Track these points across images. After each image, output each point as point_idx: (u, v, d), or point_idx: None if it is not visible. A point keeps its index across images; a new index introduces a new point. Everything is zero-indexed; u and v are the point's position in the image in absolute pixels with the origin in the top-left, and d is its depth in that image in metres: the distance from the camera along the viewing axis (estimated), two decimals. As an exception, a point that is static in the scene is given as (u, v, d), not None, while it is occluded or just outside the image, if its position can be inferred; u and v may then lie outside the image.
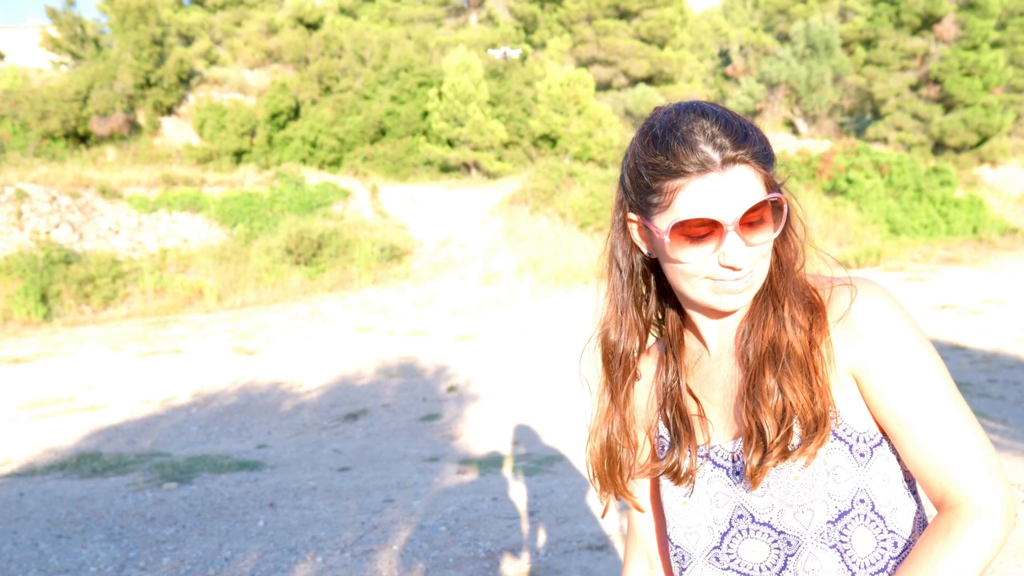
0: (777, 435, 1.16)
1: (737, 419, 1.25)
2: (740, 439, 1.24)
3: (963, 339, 10.12)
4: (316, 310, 13.96)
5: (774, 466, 1.17)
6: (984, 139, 27.61)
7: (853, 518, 1.18)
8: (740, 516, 1.23)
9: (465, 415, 7.66)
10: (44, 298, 14.36)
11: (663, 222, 1.18)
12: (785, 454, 1.16)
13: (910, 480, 1.24)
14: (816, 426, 1.16)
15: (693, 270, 1.19)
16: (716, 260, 1.17)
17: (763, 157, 1.17)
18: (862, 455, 1.18)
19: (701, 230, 1.15)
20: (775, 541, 1.20)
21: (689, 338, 1.35)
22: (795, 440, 1.17)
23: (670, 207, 1.17)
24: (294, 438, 7.15)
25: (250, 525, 4.83)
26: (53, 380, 9.44)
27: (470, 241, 18.39)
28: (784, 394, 1.17)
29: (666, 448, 1.33)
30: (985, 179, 27.42)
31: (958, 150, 27.70)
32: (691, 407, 1.30)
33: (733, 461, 1.24)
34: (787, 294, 1.22)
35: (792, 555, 1.20)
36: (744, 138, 1.15)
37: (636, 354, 1.35)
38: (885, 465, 1.19)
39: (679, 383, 1.33)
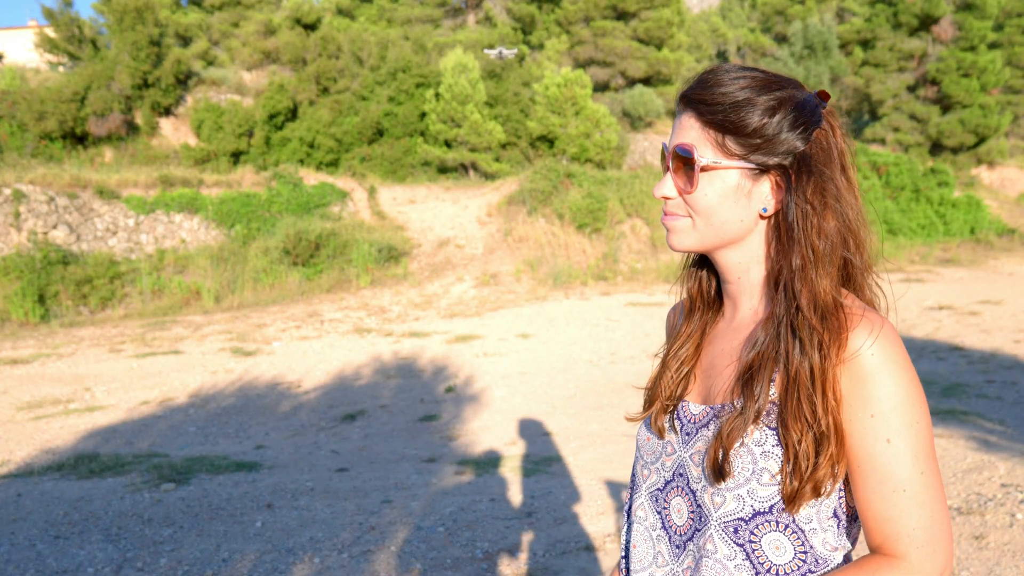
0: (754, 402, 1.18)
1: (714, 388, 1.29)
2: (704, 406, 1.28)
3: (961, 340, 10.14)
4: (314, 311, 13.95)
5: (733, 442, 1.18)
6: (982, 140, 27.67)
7: (768, 522, 1.18)
8: (680, 474, 1.27)
9: (463, 416, 7.66)
10: (42, 299, 14.34)
11: None
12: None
13: (849, 520, 1.22)
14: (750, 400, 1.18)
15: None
16: None
17: (713, 114, 1.19)
18: None
19: (664, 158, 1.27)
20: (692, 511, 1.24)
21: (726, 296, 1.34)
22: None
23: None
24: (292, 439, 7.15)
25: (248, 526, 4.82)
26: (51, 381, 9.43)
27: (468, 242, 18.38)
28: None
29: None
30: (983, 180, 27.48)
31: (956, 151, 27.75)
32: (682, 362, 1.35)
33: (689, 422, 1.29)
34: (762, 295, 1.25)
35: (699, 530, 1.23)
36: (704, 86, 1.20)
37: (690, 304, 1.42)
38: None
39: (694, 338, 1.36)
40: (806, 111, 1.20)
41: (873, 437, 1.12)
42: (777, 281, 1.21)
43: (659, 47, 28.36)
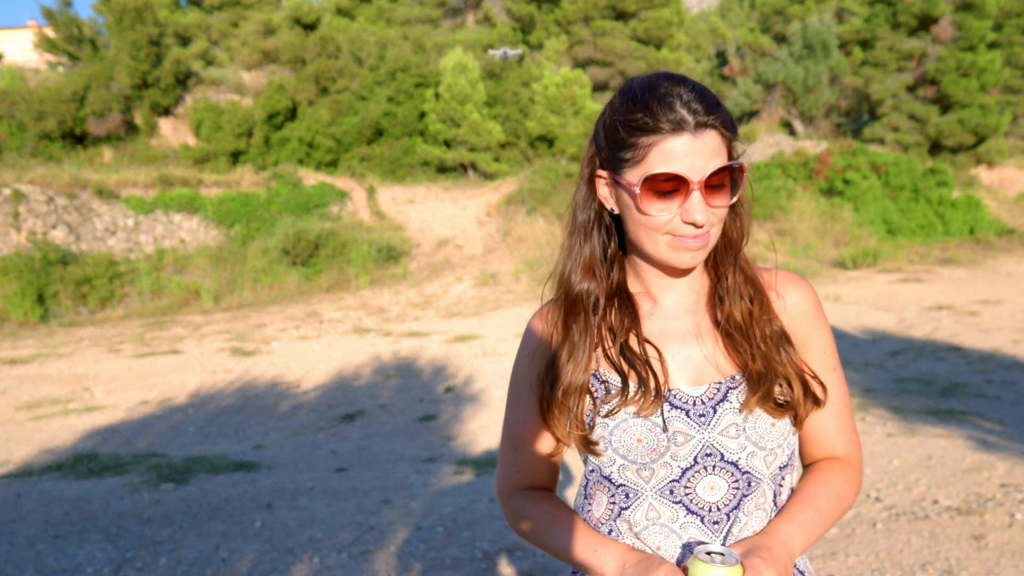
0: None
1: (701, 368, 1.36)
2: (705, 385, 1.34)
3: (960, 340, 10.14)
4: (313, 311, 13.95)
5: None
6: (981, 140, 27.63)
7: (788, 466, 1.38)
8: (708, 454, 1.31)
9: (462, 416, 7.66)
10: (41, 299, 14.34)
11: (635, 176, 1.27)
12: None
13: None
14: (759, 381, 1.32)
15: (656, 224, 1.28)
16: (679, 217, 1.27)
17: (730, 126, 1.28)
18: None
19: (669, 185, 1.25)
20: (736, 480, 1.31)
21: (640, 295, 1.42)
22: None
23: (643, 161, 1.26)
24: (291, 439, 7.15)
25: (247, 526, 4.82)
26: (50, 381, 9.43)
27: (467, 242, 18.38)
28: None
29: (613, 392, 1.35)
30: (982, 180, 27.45)
31: (955, 151, 27.72)
32: (650, 352, 1.36)
33: (694, 404, 1.32)
34: (729, 266, 1.38)
35: (748, 495, 1.32)
36: (716, 106, 1.26)
37: (602, 300, 1.41)
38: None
39: (636, 331, 1.38)
40: None
41: (826, 368, 1.39)
42: (727, 258, 1.39)
43: (658, 47, 28.35)
